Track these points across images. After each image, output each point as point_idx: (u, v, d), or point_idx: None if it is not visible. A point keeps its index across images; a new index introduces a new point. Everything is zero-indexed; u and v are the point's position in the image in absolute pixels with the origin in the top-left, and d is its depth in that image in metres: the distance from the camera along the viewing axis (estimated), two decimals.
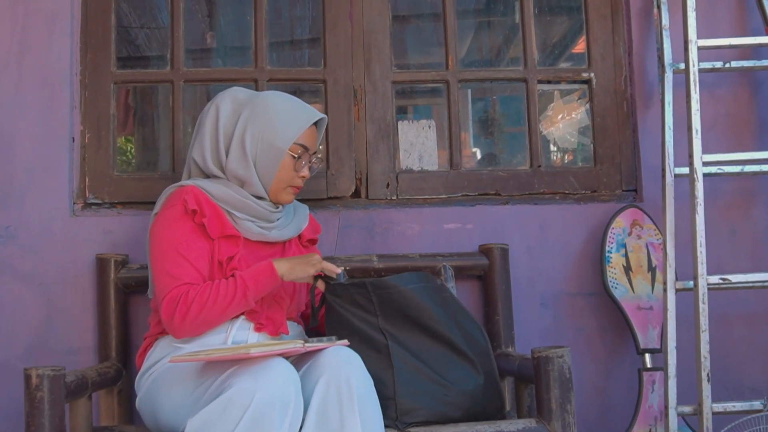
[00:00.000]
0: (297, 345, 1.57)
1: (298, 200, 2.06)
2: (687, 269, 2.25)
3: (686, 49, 2.23)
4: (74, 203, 2.30)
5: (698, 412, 2.11)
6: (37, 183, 2.25)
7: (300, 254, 1.96)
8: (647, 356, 2.27)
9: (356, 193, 2.40)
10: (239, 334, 1.78)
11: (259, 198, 1.90)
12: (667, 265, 2.19)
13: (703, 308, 2.12)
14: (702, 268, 2.14)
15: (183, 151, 2.36)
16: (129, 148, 4.14)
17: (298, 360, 1.69)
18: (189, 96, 2.77)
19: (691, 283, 2.16)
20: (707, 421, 2.09)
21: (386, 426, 1.67)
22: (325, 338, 1.67)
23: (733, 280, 2.18)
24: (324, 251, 2.22)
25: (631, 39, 2.49)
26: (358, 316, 1.81)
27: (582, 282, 2.38)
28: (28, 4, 2.31)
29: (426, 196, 2.42)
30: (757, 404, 2.16)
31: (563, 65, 3.83)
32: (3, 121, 2.27)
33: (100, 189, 2.32)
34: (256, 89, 2.38)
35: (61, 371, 1.66)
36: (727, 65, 2.38)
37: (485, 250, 2.29)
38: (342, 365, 1.59)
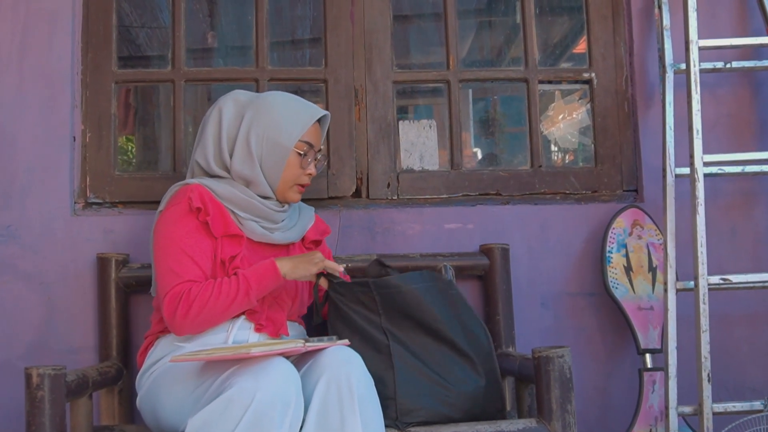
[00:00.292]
0: (297, 344, 1.57)
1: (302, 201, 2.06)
2: (688, 269, 2.25)
3: (687, 50, 2.23)
4: (75, 203, 2.30)
5: (699, 413, 2.11)
6: (38, 182, 2.25)
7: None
8: (648, 356, 2.27)
9: (357, 193, 2.40)
10: (240, 334, 1.78)
11: (265, 198, 1.90)
12: (668, 266, 2.19)
13: (704, 308, 2.12)
14: (702, 269, 2.14)
15: (184, 151, 2.36)
16: (130, 147, 4.14)
17: (299, 360, 1.69)
18: (190, 96, 2.77)
19: (692, 283, 2.16)
20: (708, 421, 2.09)
21: (386, 426, 1.67)
22: (325, 338, 1.67)
23: (734, 281, 2.18)
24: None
25: (632, 39, 2.49)
26: (360, 314, 1.81)
27: (583, 282, 2.38)
28: (29, 4, 2.31)
29: (427, 196, 2.42)
30: (757, 404, 2.16)
31: (564, 65, 3.83)
32: (4, 121, 2.27)
33: (101, 188, 2.32)
34: (257, 89, 2.38)
35: (61, 370, 1.66)
36: (728, 65, 2.37)
37: (486, 250, 2.29)
38: (343, 365, 1.59)
